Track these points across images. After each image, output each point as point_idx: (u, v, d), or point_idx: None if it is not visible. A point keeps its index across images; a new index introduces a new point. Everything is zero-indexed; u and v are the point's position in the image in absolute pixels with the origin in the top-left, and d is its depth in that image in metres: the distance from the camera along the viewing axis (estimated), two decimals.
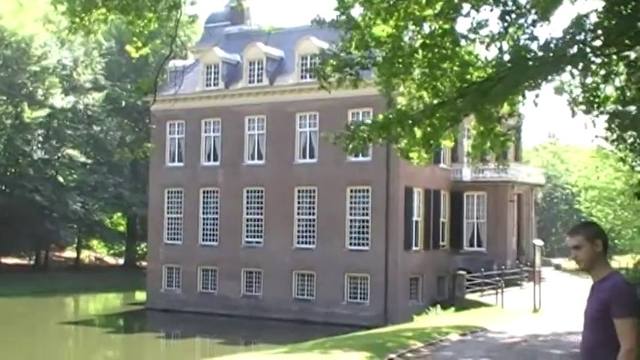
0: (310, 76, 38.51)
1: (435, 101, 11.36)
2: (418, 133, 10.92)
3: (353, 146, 11.02)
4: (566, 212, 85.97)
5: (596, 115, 12.06)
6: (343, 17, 10.42)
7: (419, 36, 11.90)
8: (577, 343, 5.01)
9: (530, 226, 42.85)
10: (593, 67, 11.86)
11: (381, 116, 10.94)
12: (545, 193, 72.47)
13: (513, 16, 12.21)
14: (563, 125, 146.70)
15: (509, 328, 21.76)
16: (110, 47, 60.49)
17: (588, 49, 11.38)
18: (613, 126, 12.15)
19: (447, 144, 16.26)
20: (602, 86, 11.70)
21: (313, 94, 37.50)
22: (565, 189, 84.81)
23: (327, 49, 12.30)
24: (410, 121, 10.54)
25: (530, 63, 11.31)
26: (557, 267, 46.49)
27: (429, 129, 10.94)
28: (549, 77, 11.69)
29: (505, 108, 13.34)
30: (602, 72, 11.61)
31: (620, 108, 12.54)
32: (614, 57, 11.41)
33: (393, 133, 10.70)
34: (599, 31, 11.35)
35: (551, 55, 11.15)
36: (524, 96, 12.13)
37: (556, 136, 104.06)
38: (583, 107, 13.82)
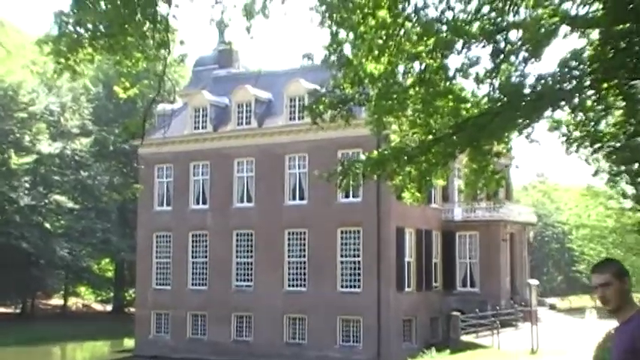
0: (299, 118, 38.43)
1: (430, 137, 11.10)
2: (414, 169, 10.64)
3: (346, 182, 10.71)
4: (557, 251, 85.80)
5: (594, 151, 11.84)
6: (334, 56, 10.19)
7: (411, 73, 11.70)
8: None
9: (524, 266, 42.47)
10: (589, 102, 11.66)
11: (375, 152, 10.64)
12: (536, 233, 72.22)
13: (505, 52, 12.04)
14: (551, 165, 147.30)
15: None
16: (98, 92, 60.41)
17: (585, 83, 11.20)
18: (611, 161, 11.92)
19: (439, 182, 16.01)
20: (600, 121, 11.49)
21: (302, 136, 37.44)
22: (556, 227, 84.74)
23: (320, 88, 12.04)
24: (405, 157, 10.26)
25: (528, 98, 11.12)
26: (552, 307, 46.03)
27: (424, 165, 10.66)
28: (544, 113, 11.48)
29: (500, 145, 13.08)
30: (599, 107, 11.41)
31: (617, 145, 12.32)
32: (612, 91, 11.22)
33: (388, 170, 10.40)
34: (595, 65, 11.18)
35: (546, 89, 10.96)
36: (520, 132, 11.87)
37: (545, 175, 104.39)
38: (577, 143, 13.61)
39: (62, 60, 10.64)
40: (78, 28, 9.84)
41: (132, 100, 62.91)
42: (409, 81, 11.50)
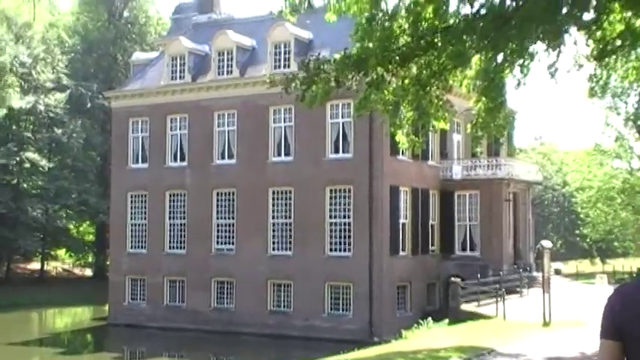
0: (285, 66, 35.12)
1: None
2: (410, 78, 7.36)
3: (312, 95, 7.43)
4: (557, 215, 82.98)
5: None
6: None
7: None
8: None
9: (527, 228, 39.27)
10: None
11: (355, 49, 7.24)
12: (536, 195, 69.21)
13: None
14: (550, 130, 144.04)
15: (523, 348, 17.98)
16: (74, 45, 56.76)
17: None
18: None
19: (440, 125, 12.88)
20: None
21: None
22: (556, 190, 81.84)
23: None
24: (398, 57, 6.96)
25: None
26: (557, 272, 43.08)
27: (425, 72, 7.37)
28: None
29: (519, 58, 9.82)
30: None
31: None
32: None
33: (370, 74, 7.10)
34: None
35: None
36: (558, 33, 8.56)
37: (543, 138, 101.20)
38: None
39: None
40: None
41: (111, 54, 59.39)
42: None
